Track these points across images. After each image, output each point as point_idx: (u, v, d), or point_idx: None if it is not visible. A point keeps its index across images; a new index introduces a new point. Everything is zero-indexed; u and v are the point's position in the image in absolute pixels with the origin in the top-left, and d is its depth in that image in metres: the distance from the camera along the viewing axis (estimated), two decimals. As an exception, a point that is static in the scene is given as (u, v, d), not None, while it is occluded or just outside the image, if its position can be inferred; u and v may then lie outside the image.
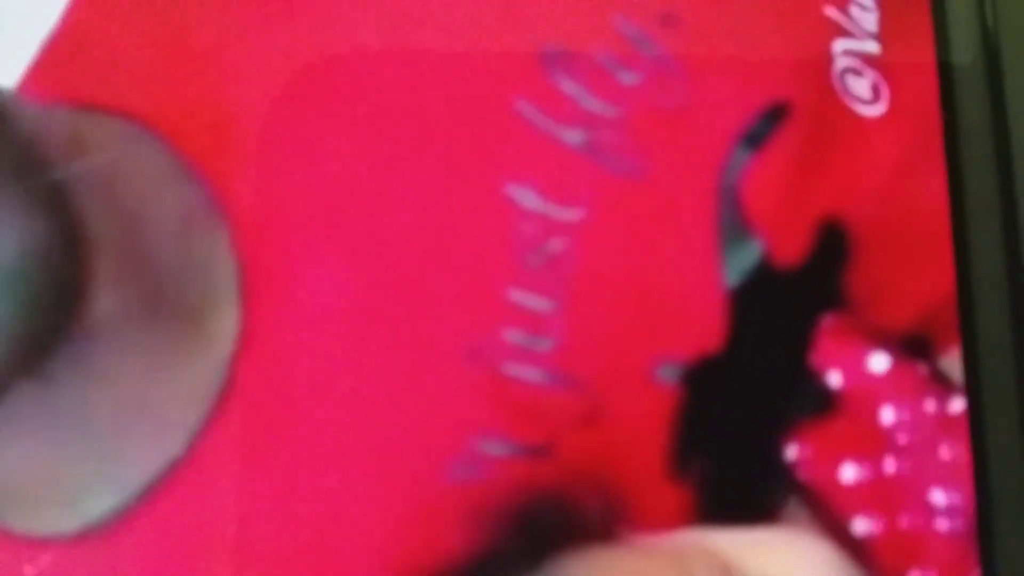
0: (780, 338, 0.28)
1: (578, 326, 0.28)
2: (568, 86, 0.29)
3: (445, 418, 0.27)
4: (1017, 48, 0.30)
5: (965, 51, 0.30)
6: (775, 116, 0.29)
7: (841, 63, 0.30)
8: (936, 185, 0.29)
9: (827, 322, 0.28)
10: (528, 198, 0.28)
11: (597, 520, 0.27)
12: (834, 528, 0.27)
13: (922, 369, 0.28)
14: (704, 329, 0.28)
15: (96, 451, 0.27)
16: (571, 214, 0.28)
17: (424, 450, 0.27)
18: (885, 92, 0.30)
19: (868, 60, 0.30)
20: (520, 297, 0.28)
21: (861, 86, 0.30)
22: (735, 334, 0.28)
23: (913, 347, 0.28)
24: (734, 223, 0.29)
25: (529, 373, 0.27)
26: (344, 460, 0.27)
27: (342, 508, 0.26)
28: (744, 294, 0.28)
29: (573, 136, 0.29)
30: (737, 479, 0.28)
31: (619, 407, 0.28)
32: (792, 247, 0.29)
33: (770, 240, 0.29)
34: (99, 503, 0.26)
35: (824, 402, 0.28)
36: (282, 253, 0.27)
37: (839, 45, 0.30)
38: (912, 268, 0.29)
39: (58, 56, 0.28)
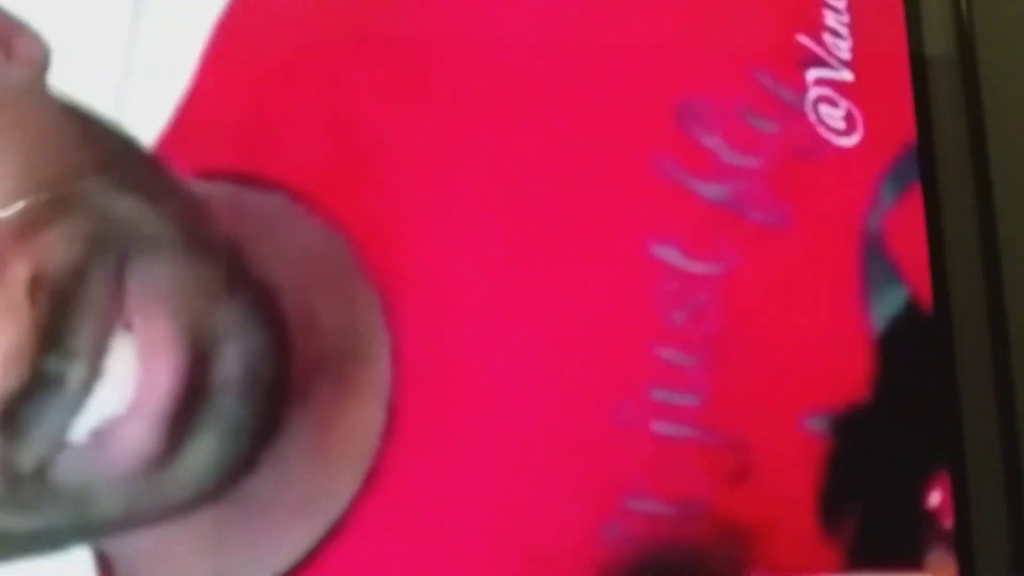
0: (926, 383, 0.28)
1: (724, 380, 0.27)
2: (707, 139, 0.28)
3: (594, 478, 0.27)
4: (992, 43, 0.29)
5: (940, 47, 0.29)
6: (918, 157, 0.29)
7: (814, 92, 0.29)
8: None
9: None
10: (671, 255, 0.28)
11: (725, 570, 0.27)
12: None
13: None
14: (852, 377, 0.28)
15: (257, 525, 0.27)
16: (714, 268, 0.28)
17: (574, 510, 0.27)
18: (860, 121, 0.29)
19: (842, 89, 0.29)
20: (666, 354, 0.27)
21: (835, 116, 0.29)
22: (882, 380, 0.28)
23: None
24: (880, 266, 0.28)
25: (677, 430, 0.27)
26: (495, 520, 0.27)
27: (490, 571, 0.26)
28: (891, 340, 0.28)
29: (713, 190, 0.28)
30: (882, 527, 0.27)
31: (768, 460, 0.27)
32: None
33: (918, 282, 0.28)
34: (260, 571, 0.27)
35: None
36: (432, 316, 0.27)
37: (812, 74, 0.29)
38: None
39: (194, 121, 0.28)
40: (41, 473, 0.25)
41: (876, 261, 0.28)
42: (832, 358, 0.28)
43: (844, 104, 0.29)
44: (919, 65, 0.29)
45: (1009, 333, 0.28)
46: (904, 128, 0.29)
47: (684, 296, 0.28)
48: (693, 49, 0.29)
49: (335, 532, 0.26)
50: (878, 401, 0.28)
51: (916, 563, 0.27)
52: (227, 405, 0.25)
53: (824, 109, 0.29)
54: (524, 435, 0.27)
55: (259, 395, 0.26)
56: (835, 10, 0.29)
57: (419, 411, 0.27)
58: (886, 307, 0.28)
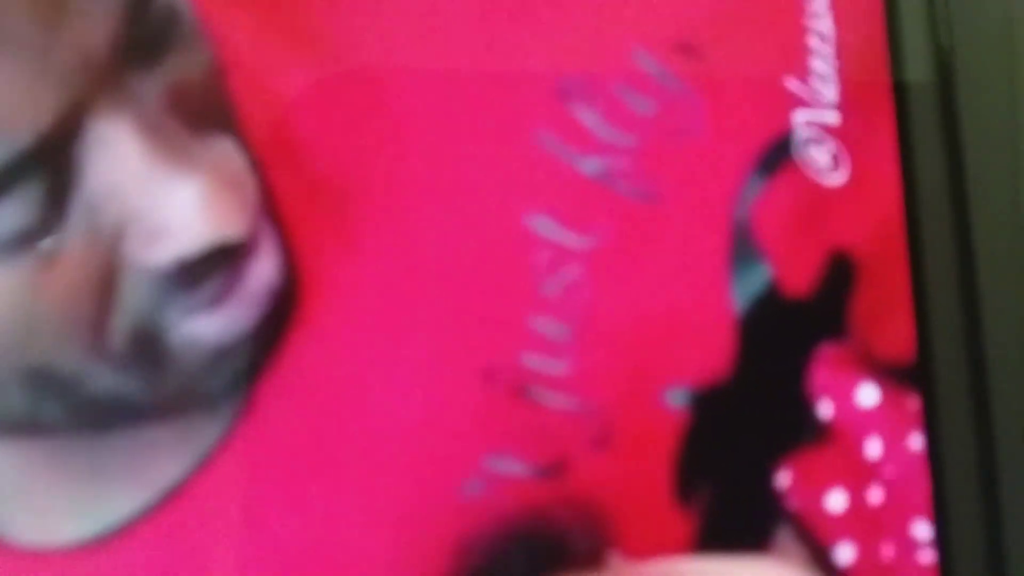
0: (783, 366, 0.29)
1: (592, 350, 0.28)
2: (585, 115, 0.29)
3: (459, 436, 0.27)
4: (971, 73, 0.31)
5: (920, 75, 0.31)
6: (789, 145, 0.30)
7: (802, 133, 0.30)
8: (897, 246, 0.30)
9: (824, 351, 0.29)
10: (545, 226, 0.28)
11: (585, 545, 0.27)
12: (818, 556, 0.28)
13: (912, 403, 0.29)
14: (713, 354, 0.29)
15: (111, 462, 0.27)
16: (586, 241, 0.29)
17: (436, 467, 0.27)
18: (845, 161, 0.30)
19: (828, 130, 0.30)
20: (537, 322, 0.28)
21: (821, 155, 0.30)
22: (742, 360, 0.29)
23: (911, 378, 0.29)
24: (746, 250, 0.29)
25: (544, 396, 0.28)
26: (355, 476, 0.27)
27: (346, 523, 0.27)
28: (752, 321, 0.29)
29: (590, 164, 0.29)
30: (733, 506, 0.28)
31: (628, 430, 0.28)
32: (801, 275, 0.29)
33: (780, 268, 0.29)
34: (109, 514, 0.27)
35: (815, 431, 0.29)
36: (305, 273, 0.28)
37: (799, 116, 0.30)
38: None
39: None
40: (163, 335, 0.24)
41: (742, 243, 0.29)
42: (695, 334, 0.29)
43: (830, 144, 0.30)
44: (902, 102, 0.30)
45: (988, 380, 0.29)
46: (888, 164, 0.30)
47: (557, 267, 0.28)
48: (578, 31, 0.30)
49: (191, 476, 0.27)
50: (736, 379, 0.29)
51: (764, 543, 0.28)
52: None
53: (812, 150, 0.30)
54: (391, 393, 0.27)
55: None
56: (821, 55, 0.30)
57: (287, 368, 0.27)
58: (749, 288, 0.29)
